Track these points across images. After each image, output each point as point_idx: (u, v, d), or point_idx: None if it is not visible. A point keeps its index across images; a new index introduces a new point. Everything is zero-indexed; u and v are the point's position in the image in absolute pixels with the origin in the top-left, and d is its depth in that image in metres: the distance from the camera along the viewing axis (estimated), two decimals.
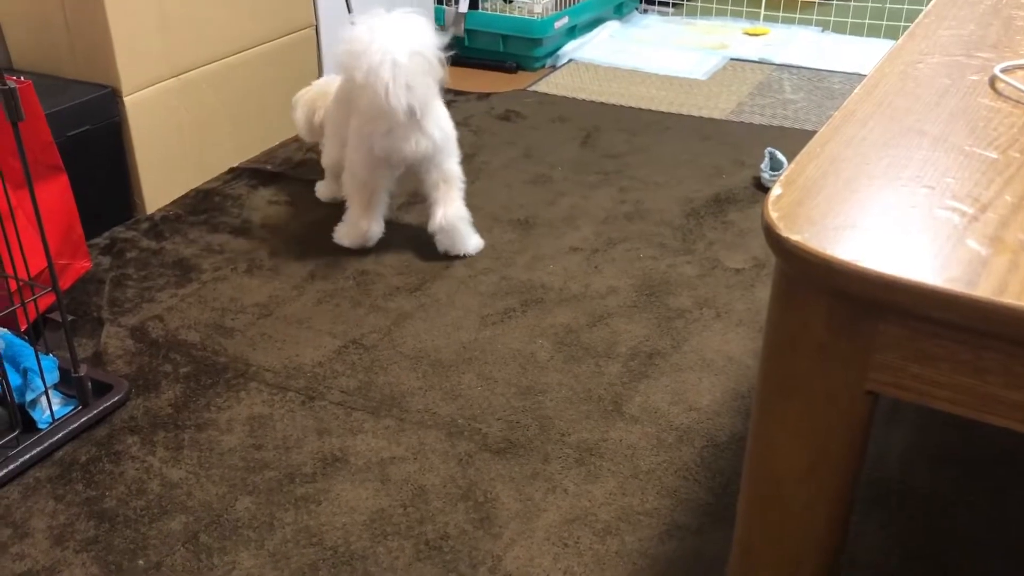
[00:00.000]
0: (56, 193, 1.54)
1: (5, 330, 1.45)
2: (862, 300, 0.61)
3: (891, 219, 0.64)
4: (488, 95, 2.71)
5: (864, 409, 0.67)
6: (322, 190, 2.09)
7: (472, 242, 1.87)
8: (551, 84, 2.80)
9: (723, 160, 2.28)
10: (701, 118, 2.54)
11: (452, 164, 1.81)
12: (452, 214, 1.81)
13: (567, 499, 1.28)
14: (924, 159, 0.73)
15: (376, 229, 1.86)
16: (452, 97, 2.67)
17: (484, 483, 1.31)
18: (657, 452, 1.36)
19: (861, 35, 3.23)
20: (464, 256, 1.87)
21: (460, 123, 2.49)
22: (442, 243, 1.85)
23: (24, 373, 1.39)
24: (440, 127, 1.76)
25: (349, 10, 2.32)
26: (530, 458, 1.35)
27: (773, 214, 0.64)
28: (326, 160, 2.02)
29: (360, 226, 1.84)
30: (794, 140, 2.37)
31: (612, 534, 1.22)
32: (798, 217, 0.64)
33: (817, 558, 0.74)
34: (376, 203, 1.84)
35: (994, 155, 0.74)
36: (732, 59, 3.01)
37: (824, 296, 0.64)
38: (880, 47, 3.05)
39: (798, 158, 0.74)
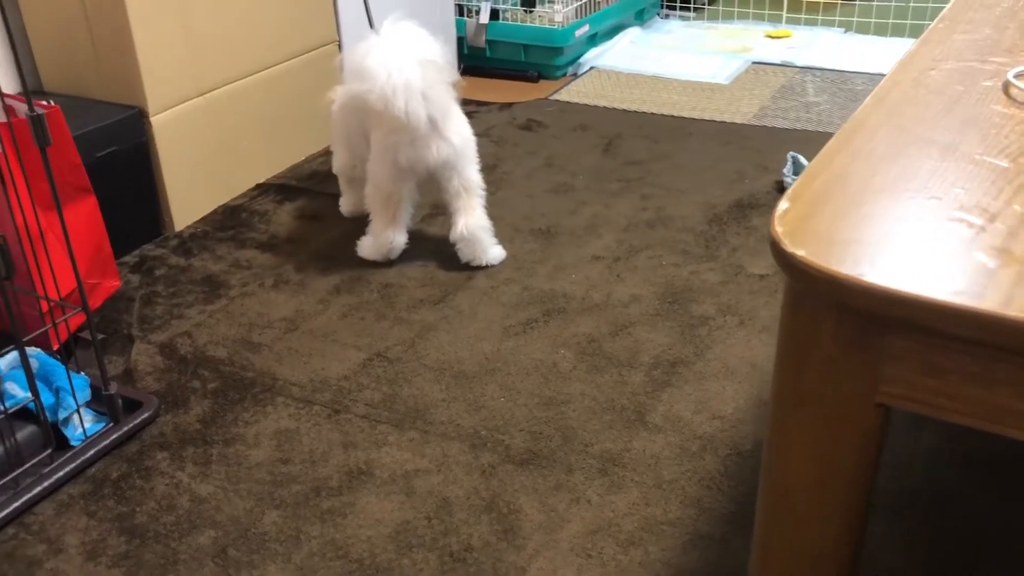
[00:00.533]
0: (85, 214, 1.58)
1: (38, 350, 1.49)
2: (868, 314, 0.61)
3: (897, 232, 0.64)
4: (510, 105, 2.73)
5: (875, 421, 0.67)
6: (344, 205, 2.11)
7: (493, 252, 1.88)
8: (572, 92, 2.81)
9: (746, 165, 2.28)
10: (723, 123, 2.54)
11: (472, 171, 1.83)
12: (473, 223, 1.83)
13: (590, 510, 1.29)
14: (933, 169, 0.73)
15: (400, 240, 1.88)
16: (474, 108, 2.69)
17: (508, 494, 1.32)
18: (680, 461, 1.36)
19: (885, 35, 3.21)
20: (486, 266, 1.88)
21: (482, 134, 2.51)
22: (464, 253, 1.87)
23: (56, 392, 1.42)
24: (459, 133, 1.78)
25: (371, 25, 2.35)
26: (553, 469, 1.36)
27: (779, 229, 0.65)
28: (336, 166, 2.05)
29: (385, 238, 1.86)
30: (817, 143, 2.36)
31: (635, 544, 1.23)
32: (804, 232, 0.64)
33: (832, 568, 0.74)
34: (400, 214, 1.86)
35: (1004, 163, 0.74)
36: (754, 62, 3.00)
37: (831, 310, 0.64)
38: (904, 47, 3.02)
39: (806, 171, 0.74)
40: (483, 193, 1.86)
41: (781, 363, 0.70)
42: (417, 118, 1.66)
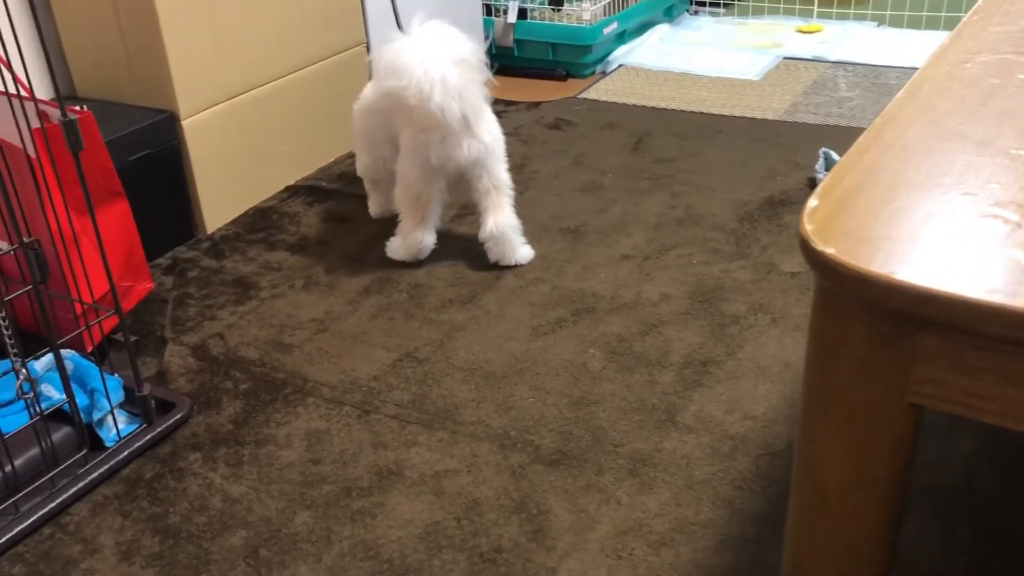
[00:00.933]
0: (117, 218, 1.59)
1: (72, 352, 1.50)
2: (900, 313, 0.60)
3: (929, 229, 0.63)
4: (538, 104, 2.72)
5: (908, 422, 0.66)
6: (373, 207, 2.12)
7: (522, 251, 1.88)
8: (601, 90, 2.79)
9: (777, 162, 2.25)
10: (754, 119, 2.51)
11: (502, 169, 1.83)
12: (503, 222, 1.83)
13: (621, 510, 1.28)
14: (967, 164, 0.72)
15: (429, 241, 1.88)
16: (502, 107, 2.69)
17: (537, 495, 1.31)
18: (712, 462, 1.35)
19: (919, 28, 3.16)
20: (515, 266, 1.87)
21: (510, 133, 2.50)
22: (493, 252, 1.86)
23: (91, 393, 1.44)
24: (490, 131, 1.79)
25: (399, 27, 2.35)
26: (583, 469, 1.35)
27: (808, 227, 0.64)
28: (360, 169, 2.06)
29: (414, 238, 1.87)
30: (850, 139, 2.32)
31: (667, 545, 1.22)
32: (833, 230, 0.63)
33: (866, 569, 0.73)
34: (429, 215, 1.86)
35: None
36: (785, 58, 2.97)
37: (862, 309, 0.63)
38: (939, 40, 2.98)
39: (836, 168, 0.73)
40: (512, 192, 1.86)
41: (811, 363, 0.69)
42: (452, 115, 1.67)
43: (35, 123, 1.38)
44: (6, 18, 1.28)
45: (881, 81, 2.71)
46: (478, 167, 1.79)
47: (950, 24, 3.13)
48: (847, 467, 0.69)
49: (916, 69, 0.88)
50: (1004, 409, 0.62)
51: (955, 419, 1.39)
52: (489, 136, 1.78)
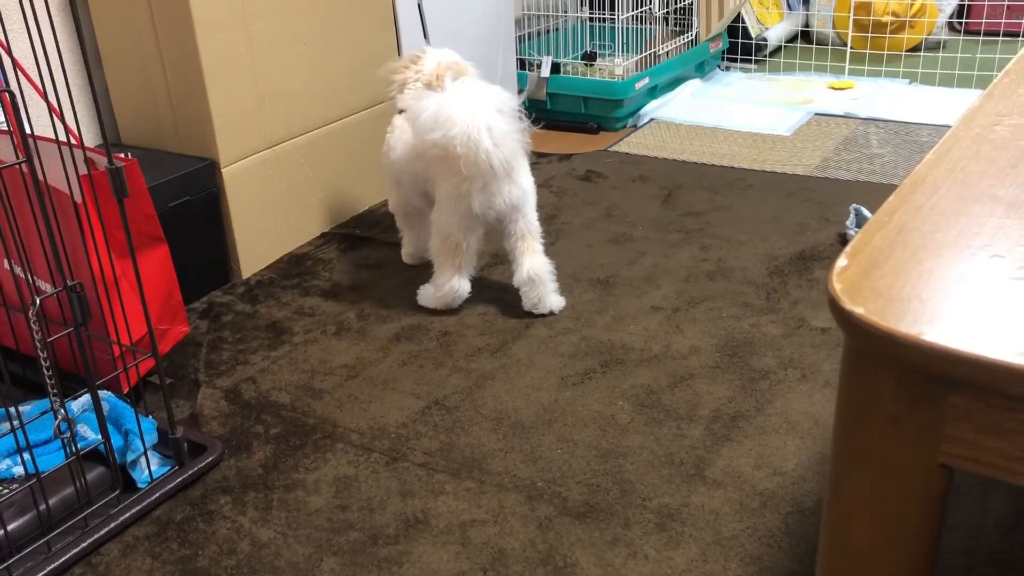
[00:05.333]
0: (157, 262, 1.63)
1: (109, 393, 1.53)
2: (928, 373, 0.61)
3: (959, 290, 0.64)
4: (569, 156, 2.75)
5: (939, 482, 0.65)
6: (406, 248, 2.15)
7: (554, 299, 1.90)
8: (632, 144, 2.83)
9: (808, 217, 2.26)
10: (785, 174, 2.52)
11: (534, 214, 1.88)
12: (539, 266, 1.86)
13: (648, 565, 1.27)
14: (997, 226, 0.73)
15: (465, 288, 1.90)
16: (534, 159, 2.73)
17: (564, 548, 1.31)
18: (740, 518, 1.34)
19: (951, 86, 3.18)
20: (546, 315, 1.89)
21: (542, 184, 2.53)
22: (528, 296, 1.88)
23: (125, 434, 1.46)
24: (526, 176, 1.85)
25: (425, 37, 2.42)
26: (610, 523, 1.35)
27: (837, 286, 0.65)
28: (392, 205, 2.12)
29: (450, 287, 1.89)
30: (881, 195, 2.33)
31: None
32: (862, 289, 0.64)
33: None
34: (467, 263, 1.88)
35: None
36: (817, 114, 2.99)
37: (891, 369, 0.63)
38: (971, 98, 2.99)
39: (865, 227, 0.74)
40: (542, 239, 1.89)
41: (841, 421, 0.69)
42: (499, 160, 1.72)
43: (83, 170, 1.42)
44: (60, 69, 1.33)
45: (913, 138, 2.72)
46: (515, 212, 1.83)
47: (981, 83, 3.14)
48: (877, 526, 0.69)
49: (948, 126, 0.89)
50: None
51: (990, 481, 1.38)
52: (526, 181, 1.83)
